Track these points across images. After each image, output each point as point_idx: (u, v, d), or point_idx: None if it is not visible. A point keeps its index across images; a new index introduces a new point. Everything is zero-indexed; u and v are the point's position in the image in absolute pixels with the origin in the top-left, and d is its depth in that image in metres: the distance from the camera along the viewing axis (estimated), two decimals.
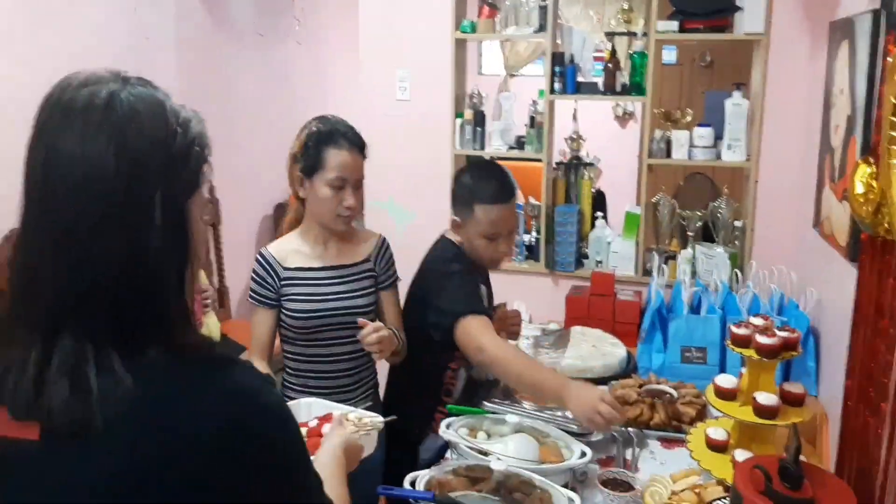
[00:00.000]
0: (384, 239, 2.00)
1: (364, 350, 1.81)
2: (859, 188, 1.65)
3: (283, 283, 1.86)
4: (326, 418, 1.55)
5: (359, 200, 1.85)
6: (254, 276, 1.88)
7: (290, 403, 1.58)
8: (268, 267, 1.86)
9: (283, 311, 1.87)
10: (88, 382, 0.71)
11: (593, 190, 3.19)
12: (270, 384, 0.83)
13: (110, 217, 0.73)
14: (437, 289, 1.88)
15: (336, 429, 1.29)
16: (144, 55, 3.18)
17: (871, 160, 1.63)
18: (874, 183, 1.59)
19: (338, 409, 1.60)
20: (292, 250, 1.89)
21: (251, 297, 1.90)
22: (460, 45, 3.12)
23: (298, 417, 1.55)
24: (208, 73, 3.58)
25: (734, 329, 1.64)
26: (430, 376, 1.97)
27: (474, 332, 1.77)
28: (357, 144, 1.83)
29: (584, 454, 1.63)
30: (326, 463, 1.14)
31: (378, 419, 1.52)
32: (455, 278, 1.89)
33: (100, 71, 0.78)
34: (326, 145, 1.79)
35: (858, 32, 1.95)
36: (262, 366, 1.80)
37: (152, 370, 0.75)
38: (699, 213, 2.84)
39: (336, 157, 1.79)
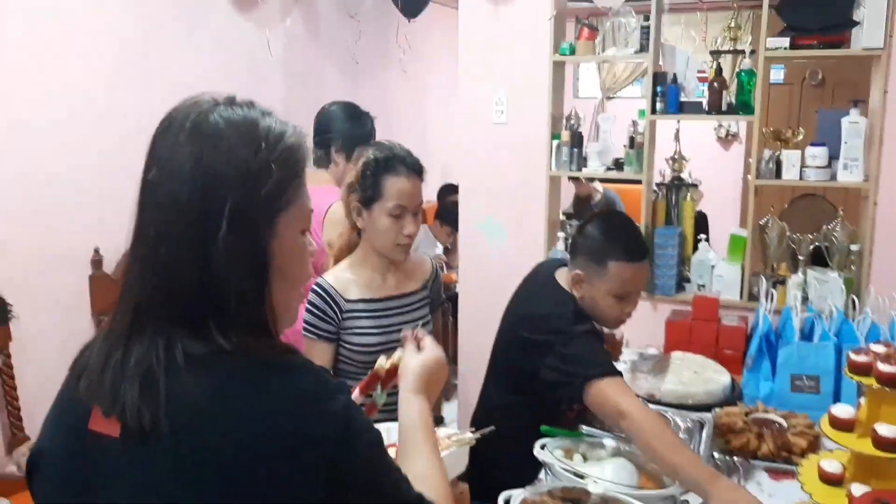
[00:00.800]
0: (435, 265, 1.98)
1: None
2: None
3: (345, 315, 1.79)
4: None
5: (417, 226, 1.78)
6: (312, 308, 1.78)
7: None
8: (328, 299, 1.77)
9: (346, 345, 1.79)
10: (157, 384, 0.76)
11: (696, 212, 3.09)
12: (338, 391, 0.82)
13: (185, 225, 0.77)
14: (560, 351, 1.72)
15: (406, 367, 1.13)
16: (250, 82, 3.35)
17: None
18: None
19: None
20: (350, 280, 1.81)
21: (308, 330, 1.79)
22: (558, 67, 3.12)
23: None
24: (311, 100, 3.73)
25: (853, 356, 1.54)
26: (545, 414, 1.82)
27: (612, 394, 1.63)
28: (416, 170, 1.77)
29: None
30: (406, 437, 1.04)
31: (468, 435, 1.52)
32: (582, 340, 1.73)
33: (210, 93, 0.84)
34: (385, 173, 1.73)
35: None
36: None
37: (221, 374, 0.78)
38: (811, 237, 2.70)
39: (395, 185, 1.73)
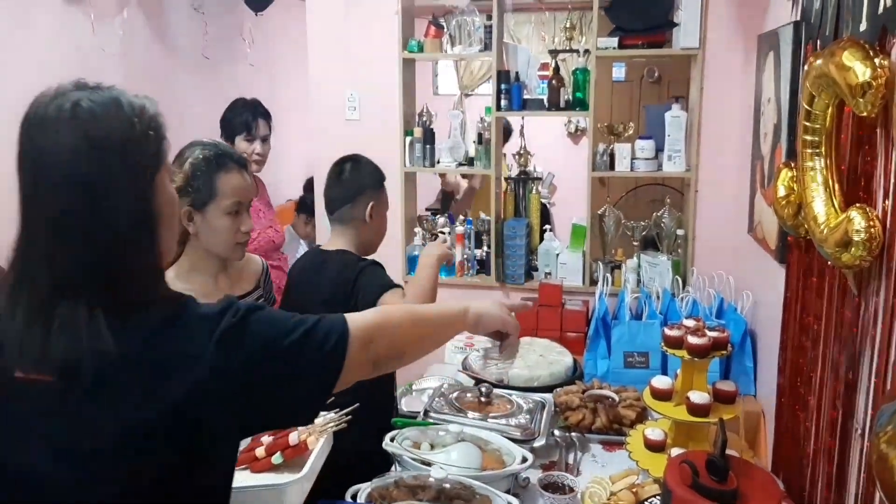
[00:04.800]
0: (264, 262, 1.95)
1: None
2: (781, 191, 1.71)
3: None
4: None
5: (251, 221, 1.76)
6: None
7: None
8: None
9: None
10: (81, 341, 0.88)
11: (545, 203, 3.24)
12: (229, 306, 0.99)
13: (87, 196, 0.89)
14: (364, 287, 1.95)
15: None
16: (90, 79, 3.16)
17: (793, 164, 1.70)
18: (795, 186, 1.65)
19: None
20: (182, 290, 1.73)
21: None
22: (408, 64, 3.17)
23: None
24: (156, 96, 3.57)
25: (667, 331, 1.69)
26: (379, 391, 1.95)
27: (392, 301, 1.85)
28: (244, 165, 1.75)
29: (525, 459, 1.65)
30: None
31: (331, 415, 1.55)
32: (368, 270, 2.00)
33: (63, 84, 0.94)
34: (217, 172, 1.67)
35: (782, 44, 2.04)
36: None
37: (135, 328, 0.91)
38: (643, 223, 2.91)
39: (229, 182, 1.68)
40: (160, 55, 3.73)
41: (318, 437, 1.51)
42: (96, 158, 0.89)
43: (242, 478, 1.43)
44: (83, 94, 0.92)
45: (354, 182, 2.13)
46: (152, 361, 0.91)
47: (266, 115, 2.82)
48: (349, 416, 1.55)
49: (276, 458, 1.45)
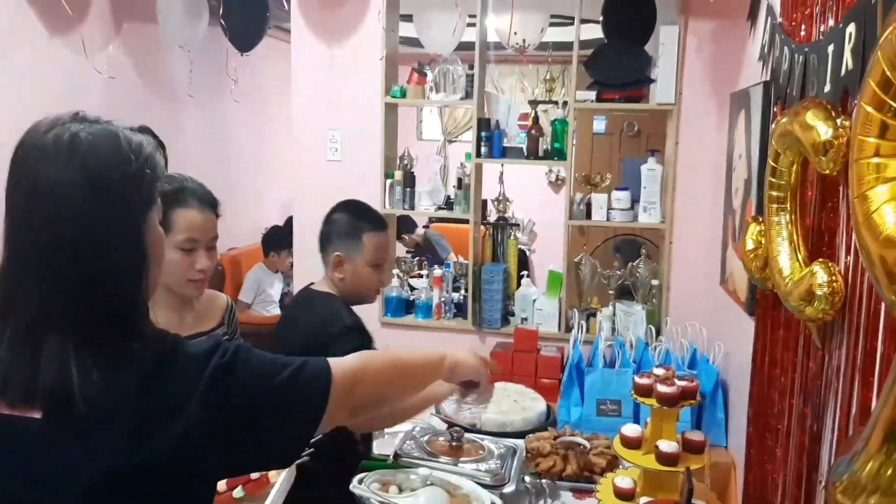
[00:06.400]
0: (229, 299, 1.94)
1: None
2: (749, 245, 1.75)
3: None
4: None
5: (213, 261, 1.73)
6: None
7: None
8: None
9: None
10: (70, 375, 0.85)
11: (524, 249, 3.28)
12: (219, 346, 0.96)
13: (81, 229, 0.87)
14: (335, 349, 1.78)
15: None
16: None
17: (760, 219, 1.75)
18: (762, 240, 1.69)
19: None
20: None
21: None
22: (391, 108, 3.22)
23: None
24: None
25: (637, 379, 1.70)
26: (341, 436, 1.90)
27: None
28: (208, 202, 1.73)
29: None
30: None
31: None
32: (342, 340, 1.85)
33: (61, 114, 0.93)
34: (173, 206, 1.66)
35: (753, 102, 2.11)
36: None
37: (126, 371, 0.89)
38: (619, 273, 2.94)
39: (184, 218, 1.67)
40: (144, 90, 3.77)
41: (279, 470, 1.49)
42: (92, 193, 0.87)
43: None
44: (82, 127, 0.90)
45: (325, 231, 2.08)
46: (143, 408, 0.88)
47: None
48: (312, 449, 1.54)
49: (238, 493, 1.43)
